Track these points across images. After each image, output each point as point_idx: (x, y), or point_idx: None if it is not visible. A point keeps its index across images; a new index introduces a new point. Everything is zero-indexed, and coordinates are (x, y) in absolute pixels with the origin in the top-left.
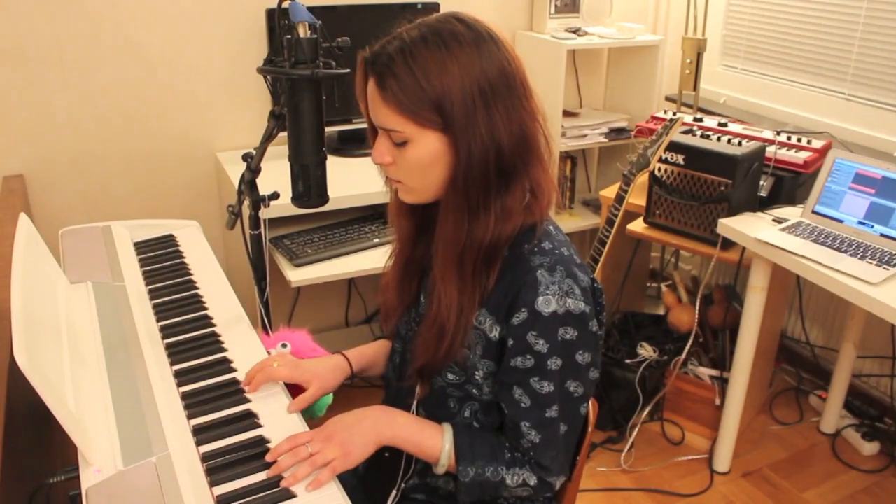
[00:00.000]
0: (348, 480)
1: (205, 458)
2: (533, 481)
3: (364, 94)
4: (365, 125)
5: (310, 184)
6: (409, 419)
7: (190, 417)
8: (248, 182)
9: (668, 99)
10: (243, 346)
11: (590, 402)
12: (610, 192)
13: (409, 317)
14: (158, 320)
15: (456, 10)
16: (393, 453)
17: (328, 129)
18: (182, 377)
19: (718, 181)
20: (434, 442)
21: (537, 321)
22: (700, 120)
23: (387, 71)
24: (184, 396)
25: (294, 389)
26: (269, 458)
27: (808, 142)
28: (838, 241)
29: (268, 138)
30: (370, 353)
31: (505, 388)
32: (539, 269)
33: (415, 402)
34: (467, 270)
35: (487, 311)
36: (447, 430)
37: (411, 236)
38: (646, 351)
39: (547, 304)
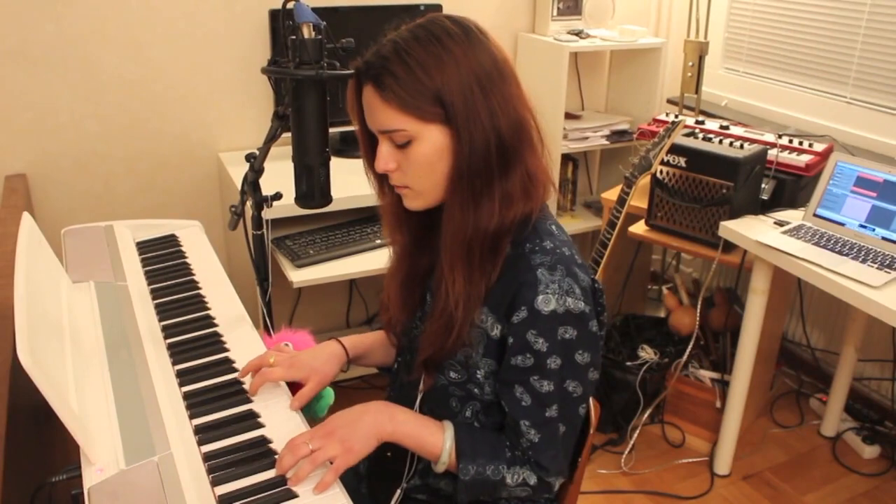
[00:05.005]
0: (350, 481)
1: (207, 457)
2: (532, 481)
3: (355, 106)
4: None
5: (313, 184)
6: (410, 415)
7: (192, 417)
8: (251, 182)
9: (669, 101)
10: (245, 346)
11: (591, 404)
12: (612, 194)
13: (414, 317)
14: (160, 320)
15: (448, 12)
16: (396, 453)
17: (331, 130)
18: (184, 377)
19: (720, 184)
20: (435, 439)
21: (537, 320)
22: (702, 123)
23: (383, 72)
24: (186, 396)
25: (294, 384)
26: (277, 471)
27: (810, 145)
28: (840, 245)
29: (271, 139)
30: (367, 341)
31: (506, 386)
32: (539, 267)
33: (419, 396)
34: (475, 260)
35: (489, 310)
36: (448, 427)
37: (410, 250)
38: (647, 353)
39: (547, 302)
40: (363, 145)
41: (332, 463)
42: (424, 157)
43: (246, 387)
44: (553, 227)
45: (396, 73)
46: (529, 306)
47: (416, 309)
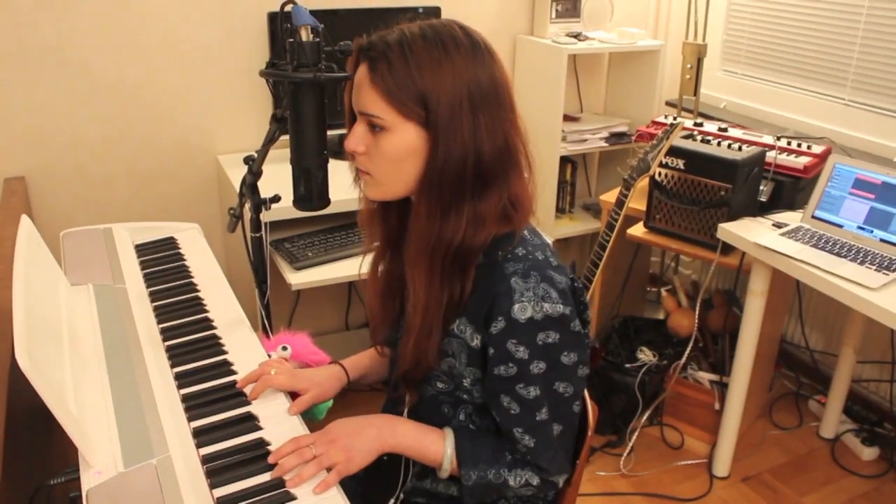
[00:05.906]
0: (348, 484)
1: (205, 460)
2: (535, 481)
3: (350, 82)
4: None
5: (311, 187)
6: (411, 427)
7: (190, 419)
8: (250, 185)
9: (668, 104)
10: (244, 348)
11: (589, 407)
12: (610, 196)
13: (398, 327)
14: (159, 322)
15: (456, 19)
16: (392, 457)
17: (329, 133)
18: (182, 379)
19: (718, 186)
20: (436, 448)
21: (515, 329)
22: (700, 125)
23: (381, 57)
24: (184, 399)
25: (294, 394)
26: (271, 459)
27: (808, 147)
28: (838, 246)
29: (269, 141)
30: (366, 361)
31: (493, 396)
32: (513, 276)
33: (405, 410)
34: (437, 268)
35: (467, 320)
36: (449, 435)
37: (387, 243)
38: (645, 355)
39: (523, 311)
40: (348, 122)
41: (328, 470)
42: (393, 149)
43: (245, 390)
44: (526, 232)
45: (392, 61)
46: (506, 316)
47: (398, 318)
